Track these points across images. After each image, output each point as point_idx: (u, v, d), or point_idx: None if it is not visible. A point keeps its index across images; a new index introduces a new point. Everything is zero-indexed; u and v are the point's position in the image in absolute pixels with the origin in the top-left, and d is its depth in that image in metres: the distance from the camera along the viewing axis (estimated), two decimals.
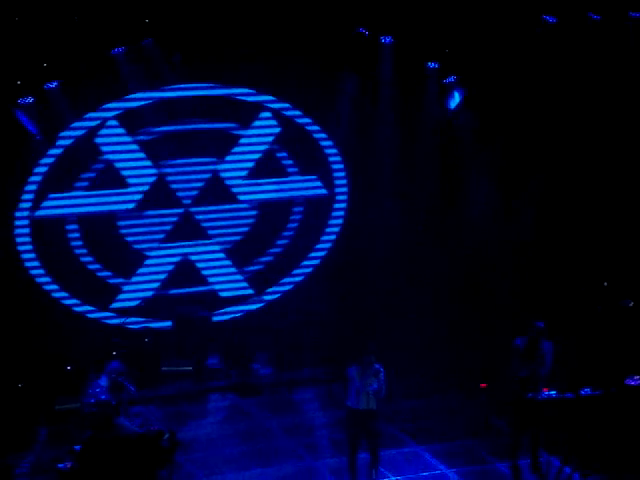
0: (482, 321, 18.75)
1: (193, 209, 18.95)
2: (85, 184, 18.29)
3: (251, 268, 19.54)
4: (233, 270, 19.38)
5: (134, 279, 18.78)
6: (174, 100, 18.48)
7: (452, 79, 18.88)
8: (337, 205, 19.80)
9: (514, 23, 17.86)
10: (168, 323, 18.77)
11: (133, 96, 18.13)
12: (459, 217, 19.66)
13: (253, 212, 19.34)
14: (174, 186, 18.80)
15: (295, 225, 19.75)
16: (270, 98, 19.05)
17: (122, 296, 18.74)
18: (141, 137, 18.47)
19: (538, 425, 14.05)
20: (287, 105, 19.17)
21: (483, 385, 17.41)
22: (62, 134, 17.85)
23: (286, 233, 19.73)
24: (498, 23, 17.79)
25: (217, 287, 19.32)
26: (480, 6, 17.65)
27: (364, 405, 13.54)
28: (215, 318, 19.06)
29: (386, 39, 18.31)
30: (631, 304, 17.97)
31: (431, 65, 18.77)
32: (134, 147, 18.43)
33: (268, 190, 19.36)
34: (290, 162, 19.52)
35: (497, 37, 17.97)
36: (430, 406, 17.06)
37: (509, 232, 19.42)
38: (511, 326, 16.38)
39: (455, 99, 18.94)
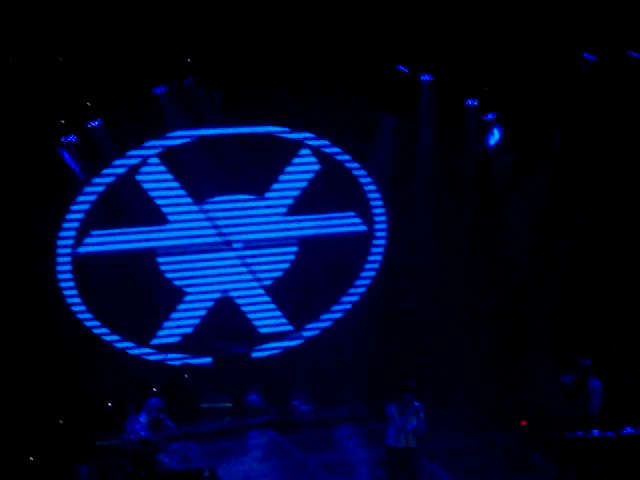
0: (524, 358, 18.65)
1: (233, 245, 19.03)
2: (126, 221, 18.42)
3: (290, 304, 19.54)
4: (272, 306, 19.41)
5: (174, 315, 18.85)
6: (215, 138, 18.61)
7: (492, 116, 18.88)
8: (376, 242, 19.80)
9: (553, 61, 17.85)
10: (208, 359, 18.81)
11: (174, 134, 18.29)
12: (499, 253, 19.57)
13: (293, 249, 19.39)
14: (214, 223, 18.89)
15: (334, 261, 19.74)
16: (309, 135, 19.13)
17: (162, 332, 18.81)
18: (182, 174, 18.58)
19: (583, 464, 13.93)
20: (326, 142, 19.24)
21: (523, 423, 17.31)
22: (104, 171, 18.01)
23: (325, 269, 19.71)
24: (537, 60, 17.77)
25: (256, 323, 19.35)
26: (519, 44, 17.65)
27: (404, 443, 13.52)
28: (254, 354, 19.09)
29: (425, 77, 18.37)
30: None
31: (470, 102, 18.79)
32: (175, 184, 18.55)
33: (308, 227, 19.41)
34: (329, 199, 19.54)
35: (537, 74, 17.95)
36: (471, 443, 16.98)
37: (549, 269, 19.31)
38: (554, 363, 16.35)
39: (494, 136, 18.93)
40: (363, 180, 19.57)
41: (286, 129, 18.96)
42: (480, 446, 16.84)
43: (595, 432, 13.87)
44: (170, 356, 18.71)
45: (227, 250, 19.03)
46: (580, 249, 19.19)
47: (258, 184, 19.02)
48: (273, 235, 19.22)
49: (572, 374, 14.26)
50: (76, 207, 18.01)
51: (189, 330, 18.95)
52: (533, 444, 16.47)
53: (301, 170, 19.25)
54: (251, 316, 19.31)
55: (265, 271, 19.31)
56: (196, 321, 18.98)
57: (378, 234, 19.79)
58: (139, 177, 18.36)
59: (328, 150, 19.29)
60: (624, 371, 16.96)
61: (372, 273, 19.86)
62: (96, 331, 18.36)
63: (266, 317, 19.39)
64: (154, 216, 18.54)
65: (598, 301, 18.97)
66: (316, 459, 16.60)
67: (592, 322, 18.67)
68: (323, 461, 16.49)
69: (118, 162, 18.12)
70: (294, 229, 19.34)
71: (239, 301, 19.23)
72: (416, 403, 13.54)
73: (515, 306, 19.42)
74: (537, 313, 19.18)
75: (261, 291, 19.31)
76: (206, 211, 18.81)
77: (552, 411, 14.49)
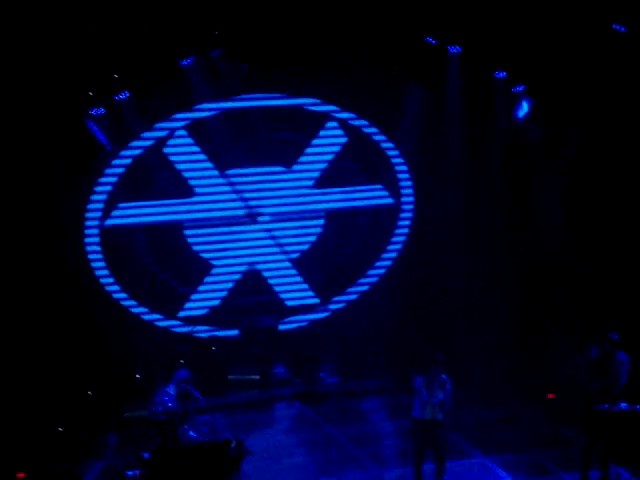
0: (551, 331, 18.62)
1: (260, 218, 19.05)
2: (154, 193, 18.47)
3: (317, 277, 19.57)
4: (299, 279, 19.43)
5: (201, 288, 18.91)
6: (242, 110, 18.60)
7: (520, 88, 18.76)
8: (403, 214, 19.76)
9: (583, 32, 17.72)
10: (235, 332, 18.89)
11: (201, 106, 18.27)
12: (527, 226, 19.51)
13: (319, 221, 19.39)
14: (241, 195, 18.91)
15: (361, 234, 19.75)
16: (336, 108, 19.08)
17: (189, 304, 18.88)
18: (209, 147, 18.59)
19: (610, 437, 13.90)
20: (353, 115, 19.19)
21: (551, 396, 17.34)
22: (131, 144, 18.05)
23: (352, 242, 19.74)
24: (567, 32, 17.64)
25: (283, 296, 19.39)
26: (548, 15, 17.52)
27: (430, 415, 13.52)
28: (281, 327, 19.14)
29: (454, 48, 18.26)
30: None
31: (499, 74, 18.68)
32: (202, 157, 18.57)
33: (334, 199, 19.40)
34: (356, 171, 19.54)
35: (566, 46, 17.81)
36: (498, 416, 16.99)
37: (577, 241, 19.22)
38: (582, 336, 16.29)
39: (523, 108, 18.81)
40: (390, 153, 19.52)
41: (313, 101, 18.92)
42: (507, 419, 16.86)
43: (622, 405, 13.84)
44: (197, 328, 18.78)
45: (254, 223, 19.04)
46: (609, 222, 19.08)
47: (285, 156, 19.02)
48: (300, 208, 19.22)
49: (599, 347, 14.21)
50: (104, 180, 18.06)
51: (216, 302, 19.01)
52: (560, 417, 16.48)
53: (328, 143, 19.21)
54: (278, 289, 19.34)
55: (292, 244, 19.33)
56: (223, 293, 19.03)
57: (405, 207, 19.74)
58: (166, 149, 18.38)
59: (355, 122, 19.24)
60: None
61: (399, 246, 19.84)
62: (124, 303, 18.45)
63: (293, 290, 19.42)
64: (181, 188, 18.58)
65: (626, 274, 18.89)
66: (343, 431, 16.66)
67: (620, 295, 18.59)
68: (350, 433, 16.55)
69: (145, 134, 18.15)
70: (321, 202, 19.33)
71: (266, 274, 19.26)
72: (443, 376, 13.53)
73: (542, 278, 19.37)
74: (565, 286, 19.12)
75: (288, 264, 19.33)
76: (233, 183, 18.82)
77: (579, 384, 14.43)
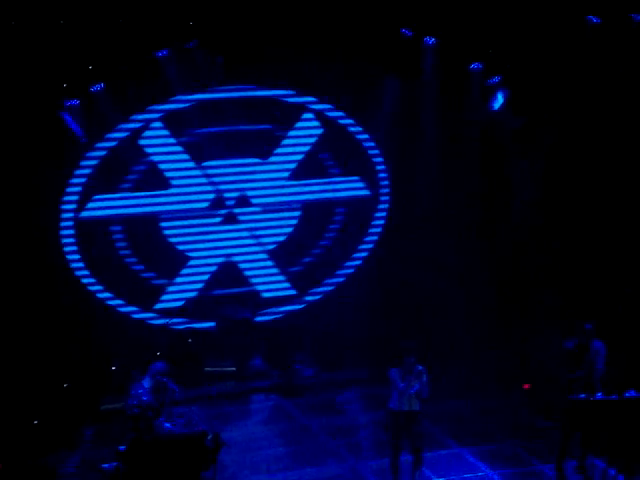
0: (526, 321, 18.68)
1: (236, 210, 19.01)
2: (129, 185, 18.40)
3: (293, 269, 19.56)
4: (275, 271, 19.41)
5: (178, 280, 18.86)
6: (218, 101, 18.55)
7: (496, 80, 18.81)
8: (380, 206, 19.77)
9: (558, 24, 17.78)
10: (211, 324, 18.86)
11: (177, 98, 18.20)
12: (503, 217, 19.57)
13: (296, 213, 19.38)
14: (217, 187, 18.87)
15: (337, 226, 19.75)
16: (312, 99, 19.06)
17: (166, 297, 18.82)
18: (185, 138, 18.54)
19: (588, 427, 13.94)
20: (329, 106, 19.17)
21: (526, 386, 17.40)
22: (107, 136, 17.97)
23: (328, 234, 19.74)
24: (542, 24, 17.71)
25: (259, 288, 19.36)
26: (524, 7, 17.57)
27: (407, 407, 13.53)
28: (257, 319, 19.12)
29: (429, 40, 18.29)
30: None
31: (475, 66, 18.71)
32: (178, 148, 18.51)
33: (311, 191, 19.38)
34: (333, 163, 19.53)
35: (541, 38, 17.88)
36: (473, 407, 17.03)
37: (553, 233, 19.29)
38: (556, 326, 16.37)
39: (498, 100, 18.86)
40: (366, 144, 19.50)
41: (289, 93, 18.89)
42: (483, 410, 16.90)
43: (598, 395, 13.89)
44: (174, 320, 18.74)
45: (230, 215, 18.99)
46: (584, 212, 19.15)
47: (261, 148, 18.97)
48: (276, 199, 19.19)
49: (574, 338, 14.26)
50: (79, 172, 17.96)
51: (193, 295, 18.97)
52: (536, 407, 16.54)
53: (304, 134, 19.19)
54: (254, 280, 19.31)
55: (268, 235, 19.30)
56: (200, 285, 18.99)
57: (382, 198, 19.74)
58: (142, 141, 18.29)
59: (331, 114, 19.22)
60: (628, 334, 16.97)
61: (375, 237, 19.85)
62: (100, 295, 18.38)
63: (269, 281, 19.39)
64: (157, 180, 18.51)
65: (601, 264, 18.97)
66: (320, 422, 16.68)
67: (595, 285, 18.66)
68: (327, 424, 16.57)
69: (121, 126, 18.05)
70: (297, 193, 19.30)
71: (242, 266, 19.23)
72: (419, 367, 13.54)
73: (518, 270, 19.43)
74: (540, 277, 19.18)
75: (264, 256, 19.31)
76: (209, 175, 18.78)
77: (555, 374, 14.49)
